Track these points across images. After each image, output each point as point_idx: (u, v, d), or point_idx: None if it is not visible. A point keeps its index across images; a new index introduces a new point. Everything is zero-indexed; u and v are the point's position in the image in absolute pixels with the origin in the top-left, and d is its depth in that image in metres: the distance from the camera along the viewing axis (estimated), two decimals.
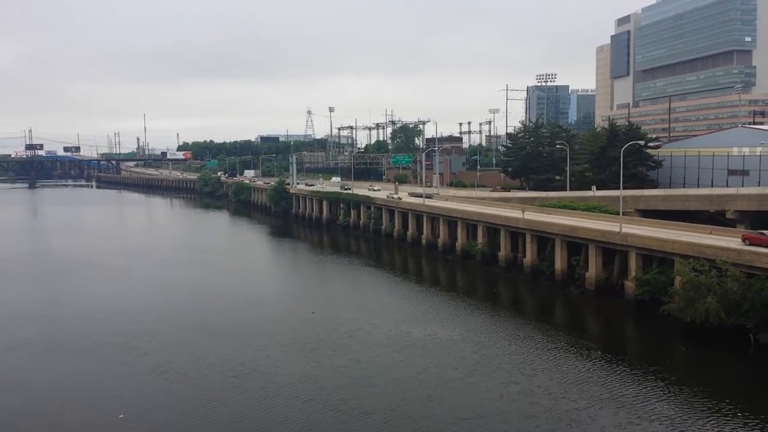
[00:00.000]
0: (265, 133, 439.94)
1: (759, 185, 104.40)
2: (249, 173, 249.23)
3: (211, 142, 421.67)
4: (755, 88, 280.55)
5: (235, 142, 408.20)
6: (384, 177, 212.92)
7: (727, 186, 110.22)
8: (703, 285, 54.66)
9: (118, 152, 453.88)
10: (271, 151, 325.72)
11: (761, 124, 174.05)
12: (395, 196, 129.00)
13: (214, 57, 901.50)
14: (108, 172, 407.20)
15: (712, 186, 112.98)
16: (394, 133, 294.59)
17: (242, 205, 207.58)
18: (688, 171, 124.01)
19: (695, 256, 58.39)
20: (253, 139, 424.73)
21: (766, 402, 42.69)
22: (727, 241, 62.96)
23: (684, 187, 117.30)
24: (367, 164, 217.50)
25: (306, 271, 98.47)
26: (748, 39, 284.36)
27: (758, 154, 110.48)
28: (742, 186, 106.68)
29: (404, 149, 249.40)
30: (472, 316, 64.92)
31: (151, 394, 44.99)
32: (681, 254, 60.62)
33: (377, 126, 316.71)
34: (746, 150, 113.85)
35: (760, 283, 52.34)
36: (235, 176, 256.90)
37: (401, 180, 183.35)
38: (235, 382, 46.18)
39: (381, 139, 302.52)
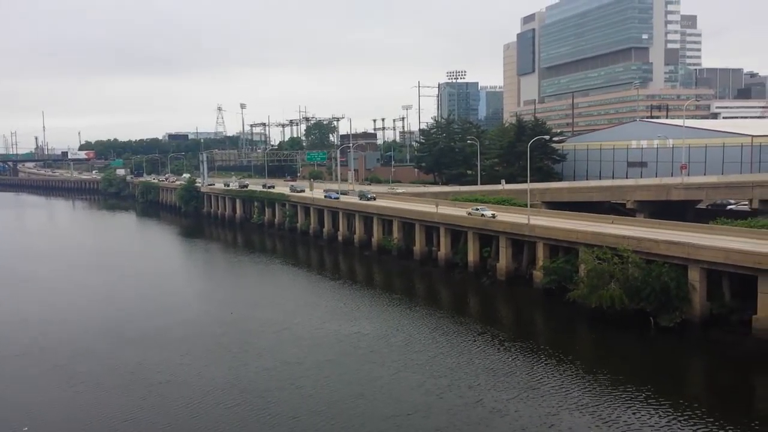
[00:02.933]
0: (173, 131, 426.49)
1: (656, 176, 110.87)
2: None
3: (116, 140, 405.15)
4: (652, 83, 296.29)
5: (142, 141, 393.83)
6: (299, 174, 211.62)
7: (626, 177, 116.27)
8: (606, 272, 57.51)
9: (14, 152, 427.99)
10: (180, 150, 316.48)
11: (658, 118, 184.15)
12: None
13: (116, 51, 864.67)
14: (4, 174, 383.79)
15: (613, 178, 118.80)
16: (308, 130, 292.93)
17: (150, 205, 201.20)
18: (591, 164, 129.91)
19: (598, 245, 61.27)
20: (160, 137, 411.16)
21: (668, 381, 45.53)
22: (628, 229, 66.50)
23: (587, 180, 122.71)
24: (281, 161, 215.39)
25: (222, 272, 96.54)
26: (645, 36, 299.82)
27: (655, 146, 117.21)
28: (641, 177, 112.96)
29: (319, 146, 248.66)
30: (394, 312, 65.68)
31: (60, 406, 43.02)
32: (585, 243, 63.54)
33: (291, 123, 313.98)
34: (644, 143, 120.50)
35: (658, 269, 55.65)
36: (142, 176, 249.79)
37: (316, 176, 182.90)
38: (153, 391, 44.65)
39: (295, 136, 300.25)
